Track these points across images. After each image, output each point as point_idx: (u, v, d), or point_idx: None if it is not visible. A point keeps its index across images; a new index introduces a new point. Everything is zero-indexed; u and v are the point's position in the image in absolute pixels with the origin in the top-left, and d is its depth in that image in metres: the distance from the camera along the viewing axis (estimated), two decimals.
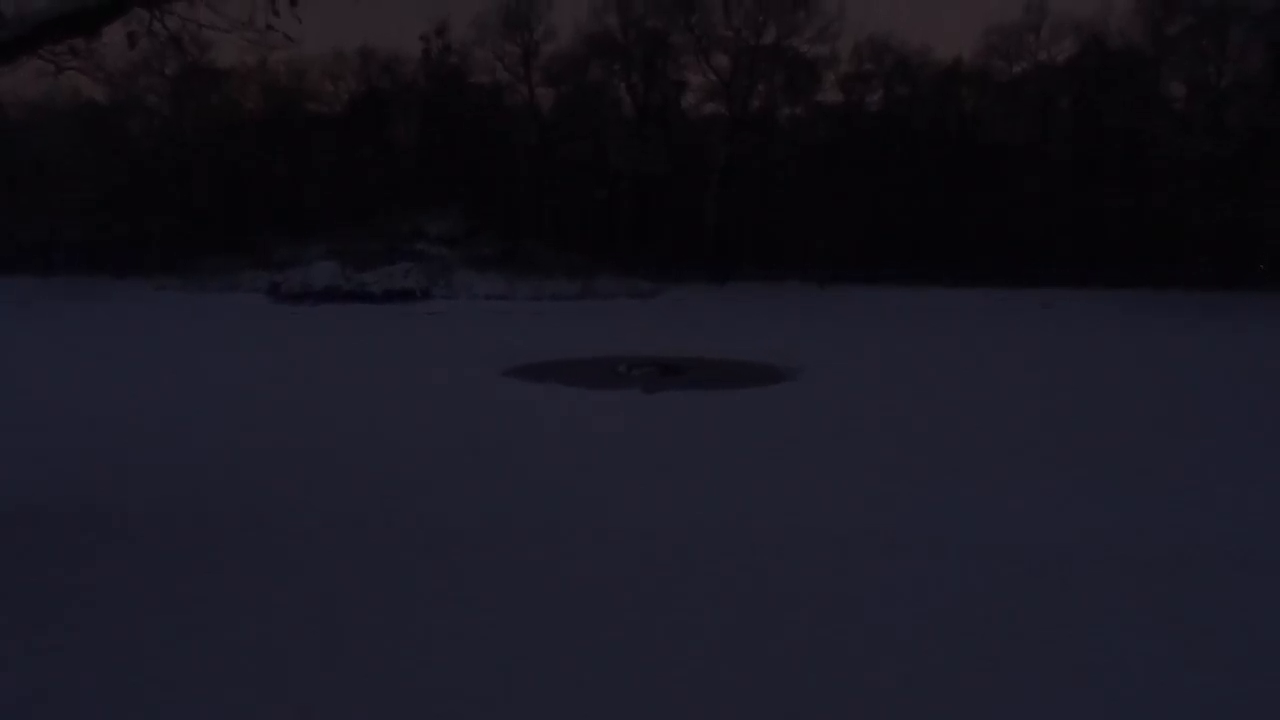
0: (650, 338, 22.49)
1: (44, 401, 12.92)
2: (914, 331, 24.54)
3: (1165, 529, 7.01)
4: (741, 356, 18.68)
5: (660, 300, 38.50)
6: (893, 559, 6.20)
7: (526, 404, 12.98)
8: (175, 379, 15.27)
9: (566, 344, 21.07)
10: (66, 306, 32.10)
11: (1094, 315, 30.81)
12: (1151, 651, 4.77)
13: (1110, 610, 5.33)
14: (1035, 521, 7.17)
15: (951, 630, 5.00)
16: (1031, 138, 50.13)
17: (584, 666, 4.48)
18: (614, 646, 4.71)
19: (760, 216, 50.34)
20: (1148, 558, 6.29)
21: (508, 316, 29.41)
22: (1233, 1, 44.45)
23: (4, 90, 48.04)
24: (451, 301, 35.32)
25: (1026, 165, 48.86)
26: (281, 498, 7.69)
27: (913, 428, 11.15)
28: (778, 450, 9.73)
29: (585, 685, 4.29)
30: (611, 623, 5.02)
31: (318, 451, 9.59)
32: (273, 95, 53.31)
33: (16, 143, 47.94)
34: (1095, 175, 46.61)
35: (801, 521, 7.09)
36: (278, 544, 6.35)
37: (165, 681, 4.25)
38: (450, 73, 54.87)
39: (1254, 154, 42.90)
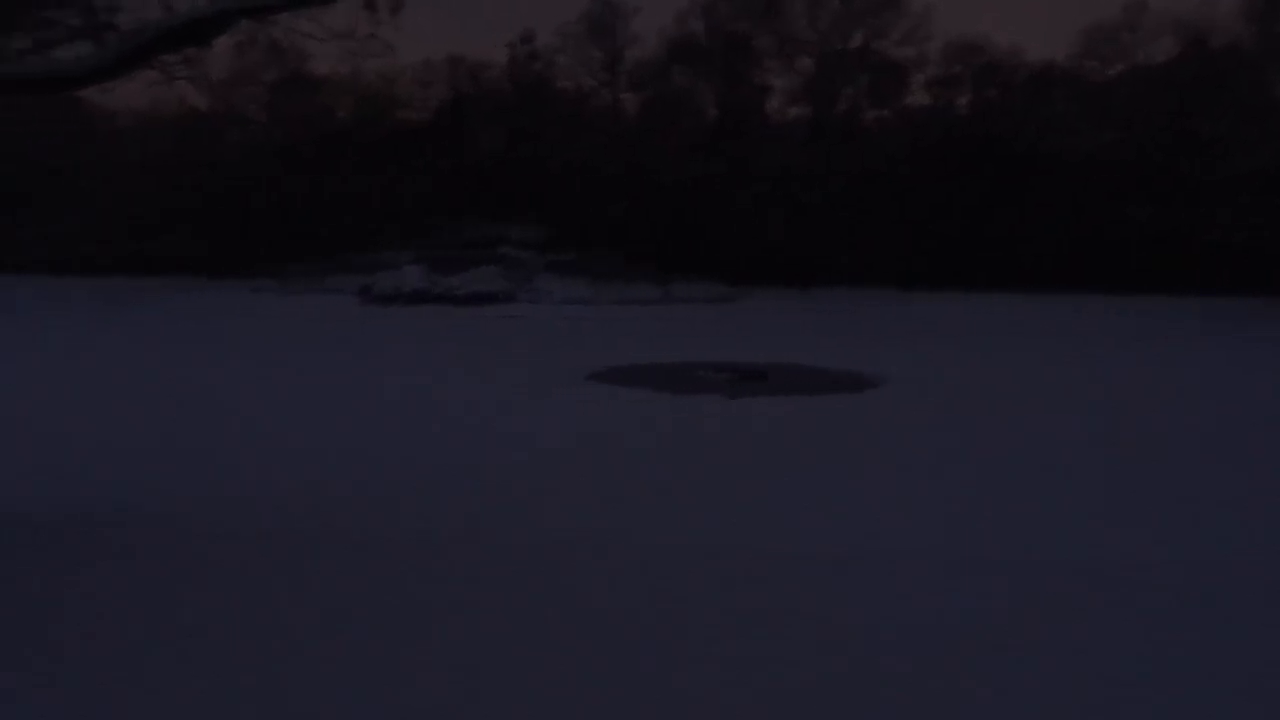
0: (730, 343, 22.40)
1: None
2: (1002, 342, 23.91)
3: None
4: (824, 363, 18.46)
5: (739, 306, 38.29)
6: (961, 579, 6.04)
7: (611, 409, 13.05)
8: (284, 380, 15.76)
9: (647, 349, 21.11)
10: (171, 305, 33.44)
11: (1189, 329, 29.61)
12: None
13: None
14: (1142, 549, 6.91)
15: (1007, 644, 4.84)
16: (1122, 143, 48.41)
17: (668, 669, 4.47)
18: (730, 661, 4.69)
19: (840, 222, 49.68)
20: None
21: (589, 321, 29.61)
22: None
23: (114, 99, 50.21)
24: (534, 305, 35.72)
25: (1115, 172, 47.17)
26: (398, 507, 7.84)
27: (1002, 441, 10.86)
28: (862, 461, 9.58)
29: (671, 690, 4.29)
30: (719, 639, 5.01)
31: (403, 457, 9.78)
32: (364, 103, 54.73)
33: (120, 149, 50.23)
34: (1187, 183, 44.72)
35: (882, 541, 6.97)
36: (385, 553, 6.50)
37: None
38: (535, 80, 55.58)
39: None
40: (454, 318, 30.69)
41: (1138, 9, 53.73)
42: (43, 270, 46.13)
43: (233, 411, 12.25)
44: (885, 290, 44.19)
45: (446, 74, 56.76)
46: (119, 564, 5.93)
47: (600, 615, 5.15)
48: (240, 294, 40.16)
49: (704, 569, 6.01)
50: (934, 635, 4.99)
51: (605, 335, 25.03)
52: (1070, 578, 5.91)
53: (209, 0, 6.82)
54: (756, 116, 54.20)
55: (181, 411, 12.21)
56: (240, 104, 53.11)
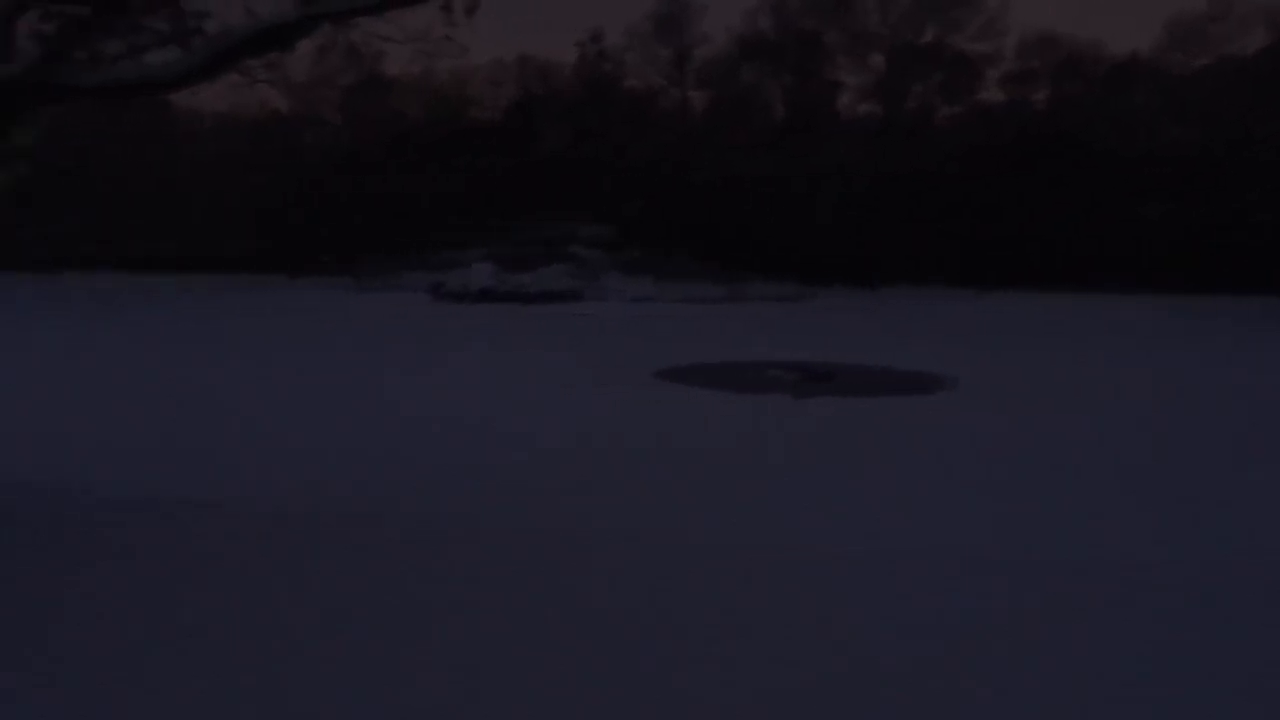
0: (796, 342, 22.23)
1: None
2: (1078, 343, 23.30)
3: None
4: (893, 364, 18.22)
5: (806, 305, 37.97)
6: (1043, 592, 5.92)
7: (678, 406, 13.08)
8: (360, 376, 16.15)
9: (714, 347, 21.08)
10: (251, 302, 34.41)
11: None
12: None
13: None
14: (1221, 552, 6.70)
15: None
16: (1206, 138, 46.71)
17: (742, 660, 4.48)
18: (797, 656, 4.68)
19: (911, 220, 48.90)
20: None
21: (656, 319, 29.67)
22: None
23: (198, 101, 51.84)
24: (602, 303, 35.91)
25: (1198, 167, 45.52)
26: (457, 504, 7.99)
27: (1078, 448, 10.59)
28: (930, 465, 9.44)
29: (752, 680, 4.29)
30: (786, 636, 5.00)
31: (473, 449, 9.93)
32: (435, 103, 55.66)
33: (202, 149, 51.95)
34: (1267, 180, 42.94)
35: (950, 549, 6.87)
36: (452, 551, 6.61)
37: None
38: (603, 79, 55.88)
39: None
40: (523, 315, 31.03)
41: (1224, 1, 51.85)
42: (132, 267, 47.89)
43: (303, 402, 12.59)
44: (956, 289, 43.42)
45: (516, 74, 57.44)
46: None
47: (663, 609, 5.18)
48: (315, 291, 41.14)
49: (767, 565, 6.00)
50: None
51: (672, 333, 25.06)
52: (1183, 581, 5.76)
53: (292, 5, 7.03)
54: (826, 113, 53.67)
55: (266, 405, 12.59)
56: (316, 105, 54.44)
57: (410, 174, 51.84)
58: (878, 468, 9.16)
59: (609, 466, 9.10)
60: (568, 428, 11.25)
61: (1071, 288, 41.95)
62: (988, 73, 51.01)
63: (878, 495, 8.02)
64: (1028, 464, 9.39)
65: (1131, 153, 46.29)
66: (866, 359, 19.01)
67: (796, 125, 51.83)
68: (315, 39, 8.56)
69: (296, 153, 53.72)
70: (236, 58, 6.88)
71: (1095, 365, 18.47)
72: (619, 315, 31.49)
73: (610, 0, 76.45)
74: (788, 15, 52.51)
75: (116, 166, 47.62)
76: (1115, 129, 47.93)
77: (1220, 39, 48.00)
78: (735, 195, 46.88)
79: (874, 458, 9.66)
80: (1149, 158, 45.80)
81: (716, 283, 39.89)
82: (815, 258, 44.50)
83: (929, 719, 4.05)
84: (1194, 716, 4.09)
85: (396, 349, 20.53)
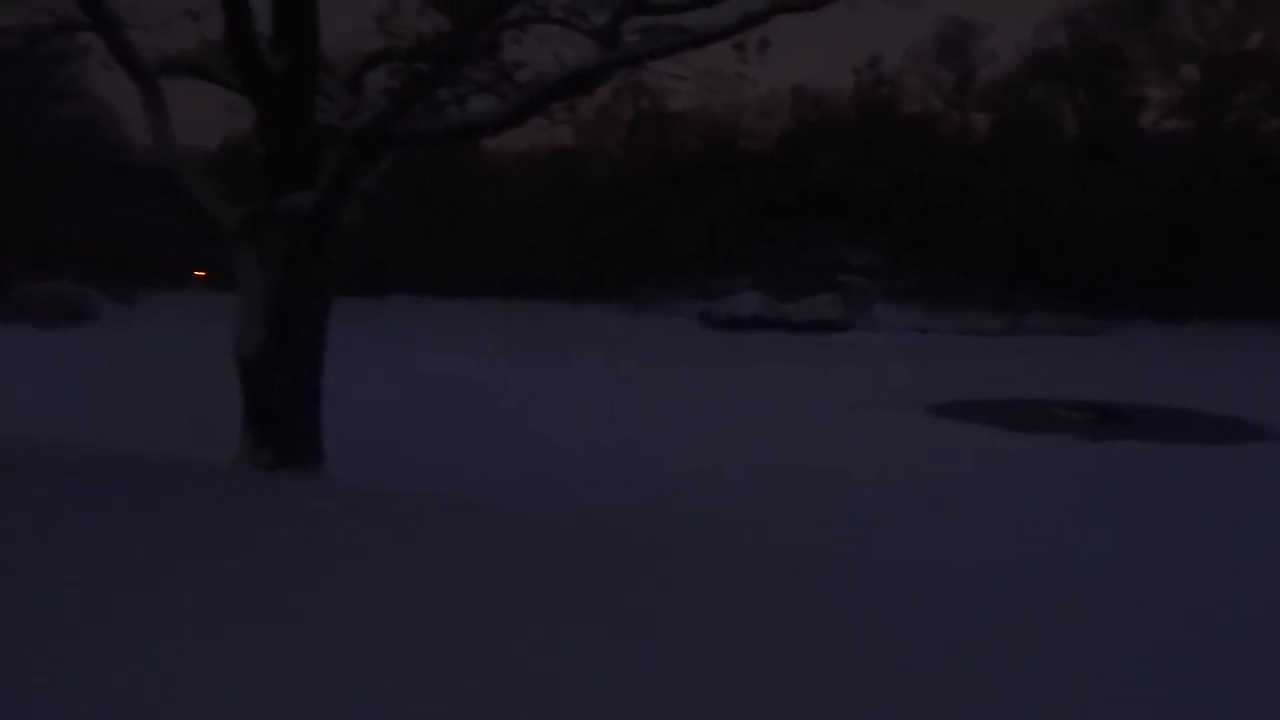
0: (1089, 379, 20.61)
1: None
2: None
3: None
4: (1204, 407, 16.43)
5: (1101, 340, 35.14)
6: None
7: (954, 443, 12.56)
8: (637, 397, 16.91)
9: (993, 382, 20.02)
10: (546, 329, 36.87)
11: None
12: None
13: None
14: None
15: None
16: None
17: None
18: None
19: (1226, 246, 43.82)
20: None
21: (930, 351, 28.64)
22: None
23: (497, 141, 56.32)
24: (873, 333, 35.17)
25: None
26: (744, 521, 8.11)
27: None
28: (1250, 530, 8.36)
29: None
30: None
31: (751, 474, 10.04)
32: (712, 134, 57.09)
33: (498, 186, 56.45)
34: None
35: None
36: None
37: None
38: (880, 104, 54.89)
39: None
40: (791, 344, 31.04)
41: None
42: (427, 291, 52.63)
43: (593, 418, 13.29)
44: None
45: (790, 103, 57.71)
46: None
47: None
48: (593, 315, 43.38)
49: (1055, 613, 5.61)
50: None
51: (947, 366, 24.08)
52: None
53: (595, 52, 7.56)
54: (1127, 132, 49.51)
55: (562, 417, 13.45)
56: (600, 139, 57.56)
57: (684, 203, 53.46)
58: (1187, 525, 8.29)
59: (875, 498, 8.89)
60: (833, 459, 11.10)
61: None
62: None
63: (1184, 553, 7.26)
64: None
65: None
66: (1171, 400, 17.28)
67: (1092, 145, 48.20)
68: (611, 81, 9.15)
69: (579, 185, 57.04)
70: (546, 103, 7.48)
71: None
72: (890, 345, 30.71)
73: (887, 26, 75.06)
74: (1085, 28, 49.10)
75: (415, 201, 52.67)
76: None
77: None
78: (1021, 221, 44.26)
79: (1182, 514, 8.75)
80: None
81: (997, 313, 37.84)
82: (1111, 287, 40.97)
83: None
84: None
85: (671, 374, 21.20)
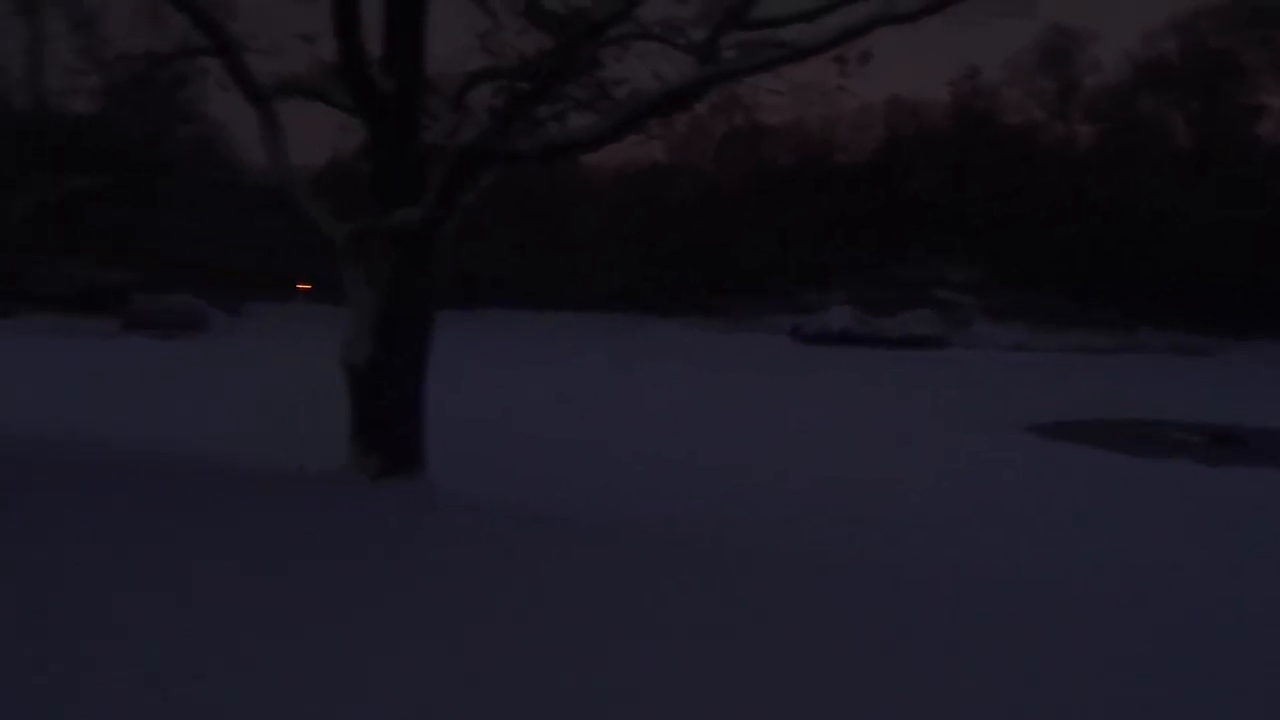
0: (1202, 400, 19.70)
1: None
2: None
3: None
4: None
5: (1213, 358, 33.55)
6: None
7: (1057, 464, 12.13)
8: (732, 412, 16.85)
9: (1099, 402, 19.29)
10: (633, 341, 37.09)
11: None
12: None
13: None
14: None
15: None
16: None
17: None
18: None
19: None
20: None
21: (1032, 369, 27.78)
22: None
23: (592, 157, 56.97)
24: (970, 350, 34.29)
25: None
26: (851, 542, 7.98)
27: None
28: None
29: None
30: None
31: (853, 507, 9.74)
32: (804, 148, 56.70)
33: (591, 201, 57.00)
34: None
35: None
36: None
37: None
38: (978, 116, 53.69)
39: None
40: (884, 360, 30.47)
41: None
42: (522, 305, 53.41)
43: (698, 434, 13.27)
44: None
45: (884, 115, 56.89)
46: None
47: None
48: (682, 330, 43.36)
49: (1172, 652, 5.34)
50: None
51: (1049, 385, 23.32)
52: None
53: (694, 67, 7.58)
54: (1243, 141, 47.30)
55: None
56: (691, 154, 57.67)
57: (776, 218, 53.15)
58: None
59: (973, 522, 8.62)
60: (930, 480, 10.79)
61: None
62: None
63: None
64: None
65: None
66: None
67: (1205, 155, 46.20)
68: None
69: (670, 200, 57.22)
70: (645, 119, 7.53)
71: None
72: (989, 363, 29.90)
73: (984, 36, 73.43)
74: (1197, 35, 47.17)
75: (506, 216, 53.50)
76: None
77: None
78: (1128, 234, 42.62)
79: None
80: None
81: (1104, 330, 36.51)
82: (1225, 303, 39.06)
83: None
84: None
85: (763, 389, 21.04)
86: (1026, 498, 9.84)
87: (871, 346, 35.80)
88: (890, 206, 53.01)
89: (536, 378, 21.72)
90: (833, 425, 15.26)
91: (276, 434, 10.00)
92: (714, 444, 12.78)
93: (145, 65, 9.13)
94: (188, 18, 7.41)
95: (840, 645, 4.37)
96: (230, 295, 41.97)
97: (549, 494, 8.34)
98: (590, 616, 4.37)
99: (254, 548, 5.08)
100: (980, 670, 4.16)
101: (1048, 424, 15.81)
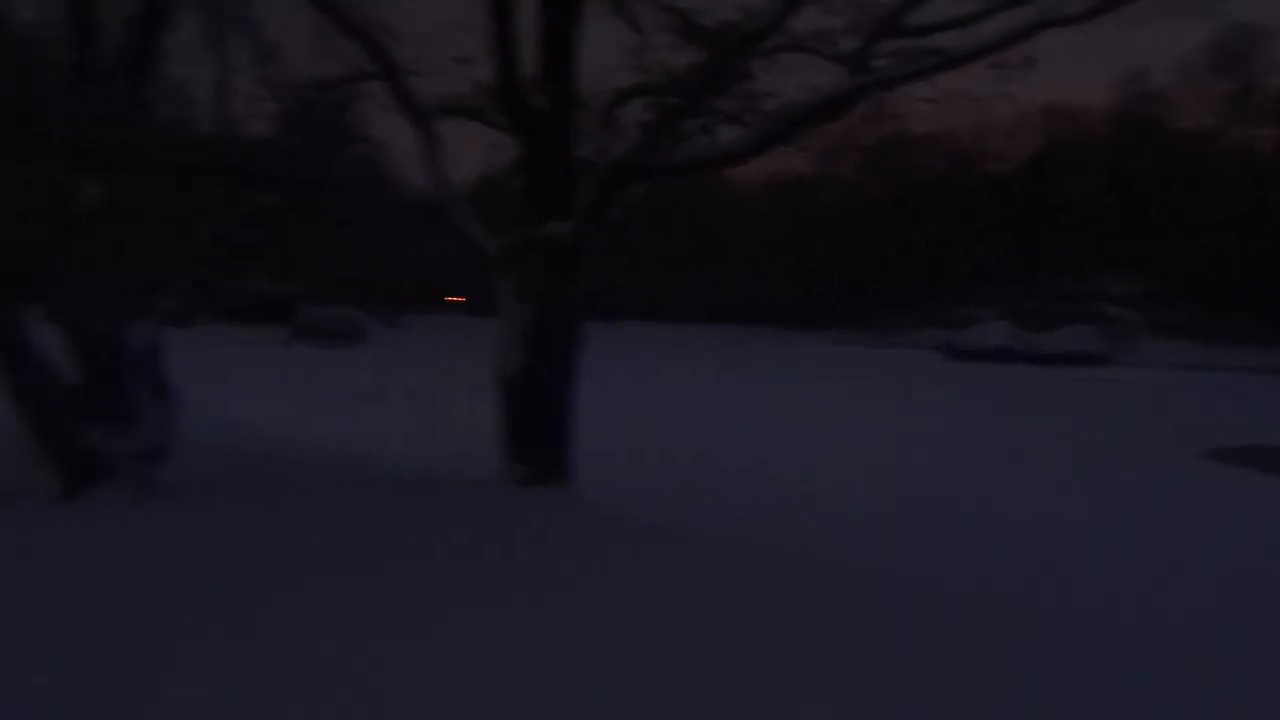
0: None
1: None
2: None
3: None
4: None
5: None
6: None
7: (1235, 493, 11.25)
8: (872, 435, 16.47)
9: None
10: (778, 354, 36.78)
11: None
12: None
13: None
14: None
15: None
16: None
17: None
18: None
19: None
20: None
21: (1206, 390, 25.92)
22: None
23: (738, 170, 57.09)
24: (1136, 369, 32.31)
25: None
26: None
27: None
28: None
29: None
30: None
31: (1013, 536, 9.25)
32: (954, 157, 54.99)
33: (732, 215, 56.88)
34: None
35: None
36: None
37: None
38: (1144, 120, 50.76)
39: None
40: (1042, 379, 29.02)
41: None
42: (662, 318, 53.72)
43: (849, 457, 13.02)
44: None
45: (1039, 122, 54.49)
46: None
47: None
48: (827, 344, 42.66)
49: None
50: None
51: (1226, 407, 21.69)
52: None
53: (845, 76, 7.46)
54: None
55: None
56: (836, 165, 56.80)
57: (925, 229, 51.78)
58: None
59: (1143, 554, 8.07)
60: (1097, 508, 10.15)
61: None
62: None
63: None
64: None
65: None
66: None
67: None
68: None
69: (814, 211, 56.52)
70: (795, 130, 7.47)
71: None
72: (1157, 383, 28.08)
73: (1145, 38, 69.18)
74: None
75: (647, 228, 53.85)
76: None
77: None
78: None
79: None
80: None
81: None
82: None
83: None
84: None
85: (915, 407, 20.43)
86: (1210, 534, 9.13)
87: (1028, 363, 34.19)
88: (1046, 217, 50.73)
89: (677, 390, 21.81)
90: (994, 452, 14.55)
91: (433, 439, 10.46)
92: (864, 474, 12.26)
93: (318, 90, 9.70)
94: (358, 45, 7.82)
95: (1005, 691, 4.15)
96: (387, 308, 44.06)
97: (695, 507, 8.31)
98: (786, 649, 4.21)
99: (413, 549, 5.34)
100: None
101: (1228, 449, 14.67)
